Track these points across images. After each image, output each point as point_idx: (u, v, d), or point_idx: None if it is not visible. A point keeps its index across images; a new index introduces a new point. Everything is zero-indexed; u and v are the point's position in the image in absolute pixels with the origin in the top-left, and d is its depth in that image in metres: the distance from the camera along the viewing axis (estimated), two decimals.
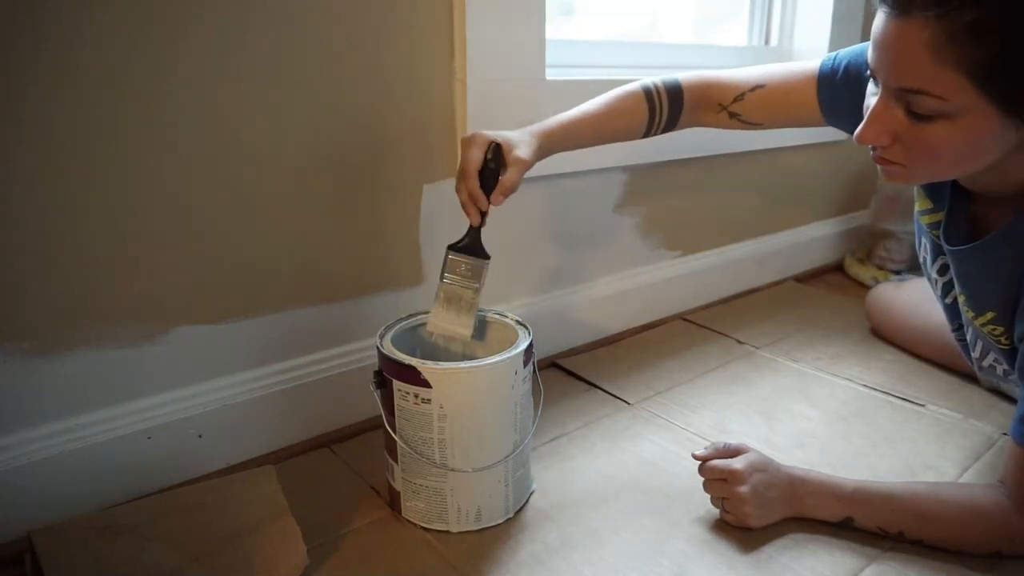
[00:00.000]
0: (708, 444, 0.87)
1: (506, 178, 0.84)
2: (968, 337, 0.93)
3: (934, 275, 0.92)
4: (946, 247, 0.83)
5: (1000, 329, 0.82)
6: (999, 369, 0.92)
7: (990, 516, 0.77)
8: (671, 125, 1.00)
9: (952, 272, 0.86)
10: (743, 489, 0.80)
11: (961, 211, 0.83)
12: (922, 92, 0.66)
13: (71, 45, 0.72)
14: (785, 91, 0.94)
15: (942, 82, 0.64)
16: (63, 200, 0.75)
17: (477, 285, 0.86)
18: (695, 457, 0.86)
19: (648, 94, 0.96)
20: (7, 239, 0.73)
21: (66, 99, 0.73)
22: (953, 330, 0.97)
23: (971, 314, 0.85)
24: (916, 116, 0.68)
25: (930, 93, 0.65)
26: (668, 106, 0.97)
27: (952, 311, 0.93)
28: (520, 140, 0.86)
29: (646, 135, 0.99)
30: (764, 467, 0.82)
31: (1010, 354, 0.83)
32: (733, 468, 0.81)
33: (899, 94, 0.68)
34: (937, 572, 0.76)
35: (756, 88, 0.95)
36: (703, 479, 0.84)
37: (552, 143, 0.90)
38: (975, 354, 0.94)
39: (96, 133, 0.75)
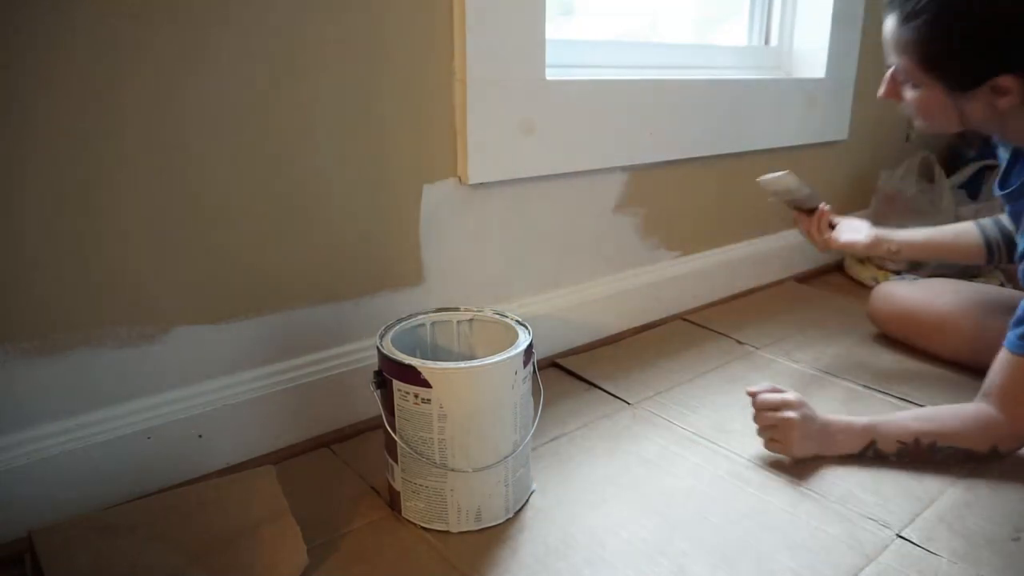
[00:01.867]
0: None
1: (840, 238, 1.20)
2: None
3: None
4: (997, 191, 1.02)
5: None
6: None
7: (975, 419, 0.91)
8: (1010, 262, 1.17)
9: (1008, 212, 1.04)
10: (793, 415, 0.91)
11: (1013, 164, 1.00)
12: (896, 67, 0.92)
13: (68, 44, 0.72)
14: None
15: (903, 60, 0.90)
16: (63, 200, 0.75)
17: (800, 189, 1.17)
18: (749, 393, 0.96)
19: (990, 246, 1.17)
20: (7, 239, 0.73)
21: (66, 98, 0.73)
22: None
23: None
24: (904, 83, 0.93)
25: (900, 68, 0.92)
26: (1007, 253, 1.17)
27: None
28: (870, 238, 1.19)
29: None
30: (808, 405, 0.94)
31: None
32: (786, 398, 0.93)
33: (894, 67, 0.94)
34: (937, 571, 0.76)
35: None
36: (755, 411, 0.94)
37: (886, 249, 1.20)
38: None
39: (97, 133, 0.75)
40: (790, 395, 0.94)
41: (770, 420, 0.93)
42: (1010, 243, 1.15)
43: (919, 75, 0.90)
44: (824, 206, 1.21)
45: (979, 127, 0.93)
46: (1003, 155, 1.05)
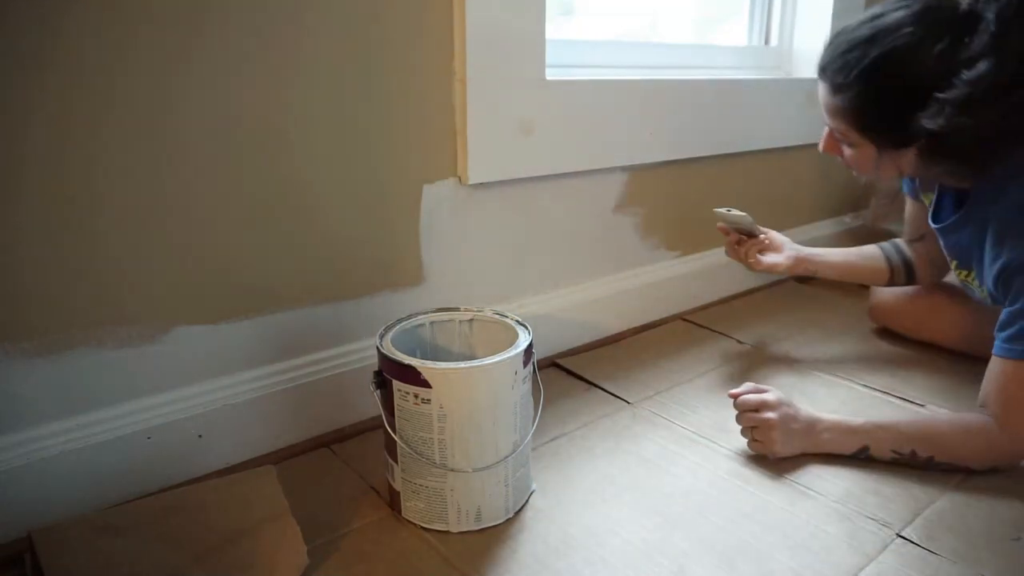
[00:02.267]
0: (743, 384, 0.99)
1: (764, 261, 1.22)
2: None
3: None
4: (932, 225, 1.08)
5: (974, 277, 1.03)
6: None
7: (978, 436, 0.91)
8: (909, 283, 1.29)
9: (943, 244, 1.09)
10: (772, 415, 0.93)
11: (940, 200, 1.08)
12: (833, 128, 1.00)
13: (66, 44, 0.72)
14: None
15: (838, 124, 0.98)
16: (63, 201, 0.75)
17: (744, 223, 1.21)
18: (731, 395, 0.97)
19: (892, 267, 1.26)
20: (7, 239, 0.73)
21: (65, 98, 0.73)
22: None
23: (962, 274, 1.06)
24: (841, 141, 1.01)
25: (836, 129, 1.00)
26: (904, 275, 1.27)
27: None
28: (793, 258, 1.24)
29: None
30: (789, 403, 0.96)
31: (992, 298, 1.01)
32: (765, 399, 0.95)
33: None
34: (937, 571, 0.76)
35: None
36: (737, 412, 0.96)
37: (804, 268, 1.26)
38: None
39: (97, 134, 0.75)
40: (770, 395, 0.95)
41: (751, 421, 0.95)
42: (908, 267, 1.26)
43: (853, 137, 0.97)
44: (763, 237, 1.24)
45: (907, 175, 1.06)
46: (908, 185, 1.18)
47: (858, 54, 0.91)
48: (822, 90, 0.98)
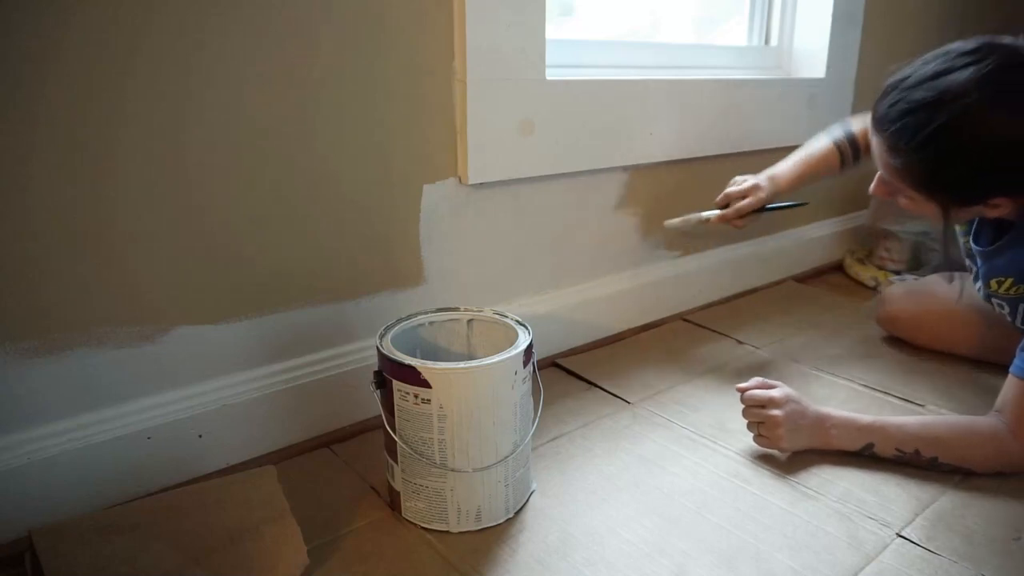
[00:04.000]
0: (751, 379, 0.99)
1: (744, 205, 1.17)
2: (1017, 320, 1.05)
3: (979, 284, 1.10)
4: (975, 248, 1.05)
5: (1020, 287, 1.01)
6: None
7: (990, 441, 0.91)
8: (857, 164, 1.22)
9: (981, 268, 1.06)
10: (778, 412, 0.93)
11: (982, 225, 1.05)
12: (888, 181, 0.95)
13: (68, 41, 0.72)
14: None
15: (894, 179, 0.93)
16: (63, 201, 0.75)
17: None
18: (739, 389, 0.97)
19: (839, 148, 1.21)
20: (7, 239, 0.73)
21: (66, 96, 0.73)
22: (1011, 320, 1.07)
23: (1014, 289, 1.01)
24: (896, 191, 0.96)
25: (891, 183, 0.95)
26: (852, 154, 1.21)
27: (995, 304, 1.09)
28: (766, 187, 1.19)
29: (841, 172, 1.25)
30: (797, 400, 0.96)
31: None
32: (771, 395, 0.95)
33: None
34: (937, 571, 0.76)
35: None
36: (743, 407, 0.96)
37: (779, 192, 1.20)
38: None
39: (101, 136, 0.75)
40: (776, 392, 0.95)
41: (757, 416, 0.95)
42: (853, 143, 1.19)
43: (912, 194, 0.93)
44: (717, 213, 1.20)
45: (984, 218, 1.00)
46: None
47: (920, 119, 0.84)
48: (877, 145, 0.93)
